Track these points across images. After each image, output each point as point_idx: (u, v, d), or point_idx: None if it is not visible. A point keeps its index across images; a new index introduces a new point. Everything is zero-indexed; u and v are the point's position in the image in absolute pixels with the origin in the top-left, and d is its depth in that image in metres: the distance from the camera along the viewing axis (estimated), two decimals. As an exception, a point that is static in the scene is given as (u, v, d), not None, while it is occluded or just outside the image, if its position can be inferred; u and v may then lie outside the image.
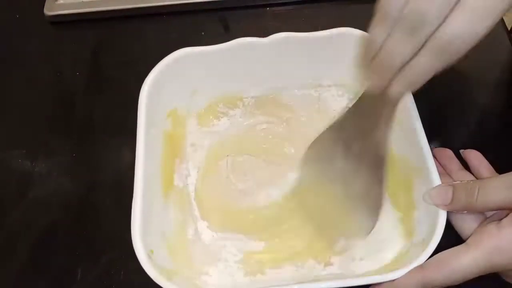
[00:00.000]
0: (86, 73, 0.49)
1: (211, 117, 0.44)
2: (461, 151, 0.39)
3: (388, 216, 0.38)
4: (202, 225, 0.39)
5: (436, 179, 0.34)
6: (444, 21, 0.24)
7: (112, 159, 0.44)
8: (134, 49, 0.51)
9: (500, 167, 0.36)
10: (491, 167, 0.37)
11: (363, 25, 0.39)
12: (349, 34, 0.40)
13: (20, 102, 0.48)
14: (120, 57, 0.50)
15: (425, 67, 0.25)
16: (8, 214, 0.41)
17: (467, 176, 0.37)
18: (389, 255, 0.36)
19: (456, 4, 0.24)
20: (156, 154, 0.39)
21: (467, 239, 0.32)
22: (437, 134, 0.41)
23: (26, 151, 0.45)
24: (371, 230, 0.36)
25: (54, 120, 0.47)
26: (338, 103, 0.44)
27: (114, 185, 0.42)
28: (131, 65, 0.49)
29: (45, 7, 0.52)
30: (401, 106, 0.37)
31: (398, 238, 0.37)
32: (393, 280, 0.31)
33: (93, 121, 0.46)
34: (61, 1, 0.53)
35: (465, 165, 0.39)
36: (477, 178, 0.37)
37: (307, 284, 0.32)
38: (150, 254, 0.33)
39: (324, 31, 0.40)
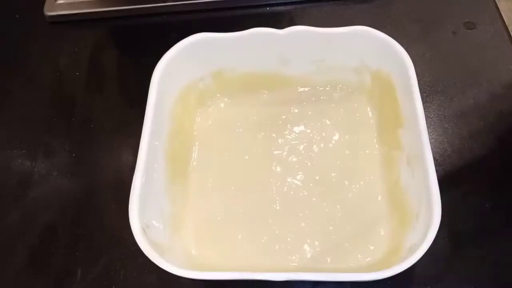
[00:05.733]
0: (86, 73, 0.49)
1: (221, 104, 0.44)
2: None
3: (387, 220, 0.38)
4: None
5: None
6: None
7: (112, 159, 0.44)
8: (134, 49, 0.51)
9: (503, 170, 0.36)
10: None
11: (364, 25, 0.39)
12: (364, 32, 0.40)
13: (20, 102, 0.48)
14: (119, 57, 0.50)
15: None
16: (8, 214, 0.41)
17: None
18: (377, 255, 0.36)
19: None
20: (162, 133, 0.38)
21: None
22: (437, 137, 0.41)
23: (26, 151, 0.45)
24: None
25: (54, 120, 0.47)
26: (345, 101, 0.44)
27: (114, 185, 0.42)
28: (130, 65, 0.49)
29: (45, 7, 0.52)
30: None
31: (387, 239, 0.37)
32: None
33: (93, 121, 0.46)
34: (61, 1, 0.53)
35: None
36: None
37: (284, 274, 0.31)
38: (145, 229, 0.32)
39: (340, 27, 0.40)
